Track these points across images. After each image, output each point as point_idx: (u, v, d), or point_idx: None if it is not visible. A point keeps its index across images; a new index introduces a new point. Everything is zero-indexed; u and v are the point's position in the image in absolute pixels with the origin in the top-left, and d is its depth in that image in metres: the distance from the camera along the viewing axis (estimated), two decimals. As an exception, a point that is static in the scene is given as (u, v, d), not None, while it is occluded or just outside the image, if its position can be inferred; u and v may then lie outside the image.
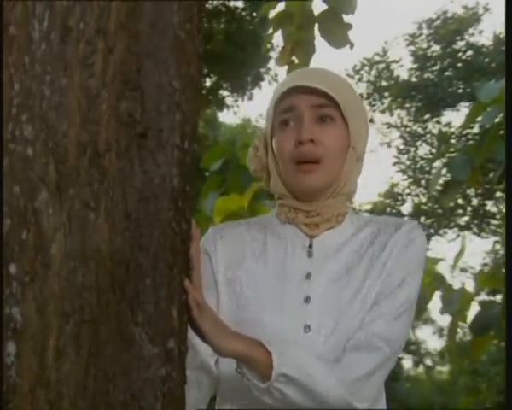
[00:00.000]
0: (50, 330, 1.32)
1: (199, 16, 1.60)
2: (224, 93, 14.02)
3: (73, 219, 1.35)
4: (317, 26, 4.11)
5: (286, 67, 4.29)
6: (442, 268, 4.62)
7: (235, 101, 14.12)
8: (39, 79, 1.36)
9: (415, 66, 17.59)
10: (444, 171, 4.56)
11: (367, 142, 1.76)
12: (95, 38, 1.40)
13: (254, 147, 1.75)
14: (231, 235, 1.76)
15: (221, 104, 13.79)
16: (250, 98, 13.39)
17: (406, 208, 17.76)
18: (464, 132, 14.60)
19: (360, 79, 17.85)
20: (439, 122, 17.66)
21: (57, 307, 1.33)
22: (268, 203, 4.56)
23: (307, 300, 1.66)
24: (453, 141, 16.21)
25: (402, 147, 18.11)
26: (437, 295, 4.45)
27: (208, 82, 12.49)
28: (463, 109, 16.40)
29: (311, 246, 1.71)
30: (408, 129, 18.10)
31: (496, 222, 16.29)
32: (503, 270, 3.81)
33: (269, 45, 9.30)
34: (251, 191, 5.05)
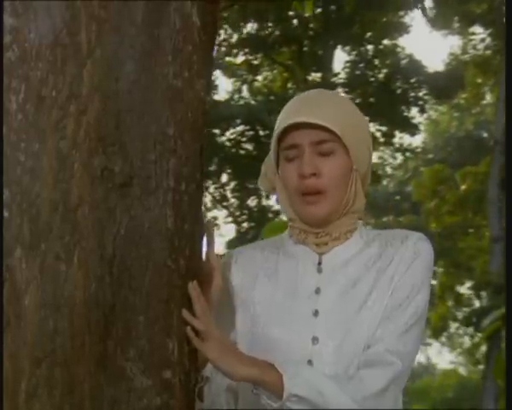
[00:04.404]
0: (22, 375, 1.46)
1: (200, 62, 1.67)
2: None
3: (45, 271, 1.49)
4: None
5: None
6: None
7: None
8: (15, 147, 1.51)
9: None
10: None
11: (371, 159, 1.80)
12: (66, 103, 1.53)
13: (263, 172, 1.82)
14: (245, 258, 1.84)
15: None
16: None
17: None
18: None
19: None
20: None
21: (29, 353, 1.47)
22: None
23: (316, 313, 1.72)
24: None
25: None
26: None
27: None
28: None
29: (320, 263, 1.76)
30: None
31: None
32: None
33: None
34: None
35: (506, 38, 1.70)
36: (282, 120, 1.74)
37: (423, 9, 13.79)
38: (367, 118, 1.85)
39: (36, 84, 1.53)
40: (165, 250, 1.57)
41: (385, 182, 20.77)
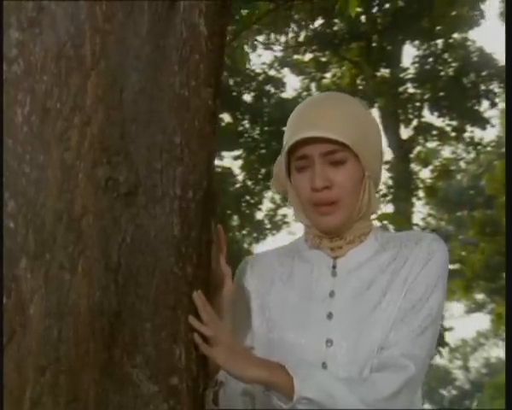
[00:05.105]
0: (27, 384, 1.49)
1: (207, 70, 1.69)
2: None
3: (50, 280, 1.52)
4: None
5: None
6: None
7: None
8: (20, 158, 1.54)
9: None
10: None
11: (382, 161, 1.80)
12: (71, 115, 1.56)
13: (275, 174, 1.82)
14: (261, 264, 1.86)
15: None
16: None
17: None
18: None
19: None
20: None
21: (33, 361, 1.49)
22: None
23: (330, 316, 1.73)
24: None
25: None
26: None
27: None
28: None
29: (335, 266, 1.77)
30: None
31: None
32: None
33: None
34: None
35: (506, 40, 1.67)
36: (291, 133, 1.75)
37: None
38: (377, 119, 1.83)
39: (41, 97, 1.55)
40: (172, 257, 1.59)
41: (459, 176, 20.48)
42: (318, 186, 1.71)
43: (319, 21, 13.98)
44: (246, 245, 14.80)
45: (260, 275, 1.84)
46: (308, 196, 1.74)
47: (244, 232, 15.25)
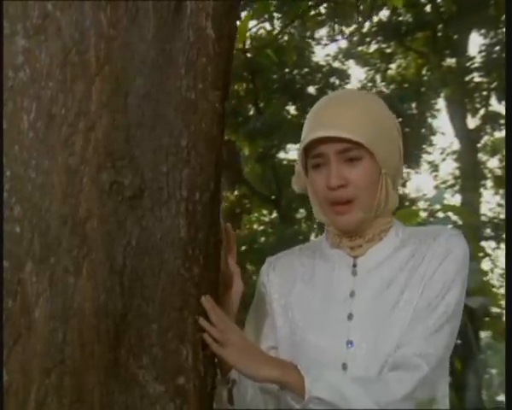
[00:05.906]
0: (32, 385, 1.52)
1: (215, 73, 1.70)
2: None
3: (55, 284, 1.54)
4: None
5: None
6: None
7: None
8: (26, 164, 1.57)
9: None
10: None
11: (401, 157, 1.77)
12: (75, 120, 1.58)
13: (296, 172, 1.82)
14: (283, 264, 1.86)
15: None
16: None
17: None
18: None
19: None
20: None
21: (38, 363, 1.52)
22: None
23: (350, 317, 1.73)
24: None
25: None
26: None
27: None
28: None
29: (355, 265, 1.76)
30: None
31: None
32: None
33: None
34: None
35: (506, 40, 1.62)
36: (307, 131, 1.75)
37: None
38: (395, 116, 1.80)
39: (46, 103, 1.58)
40: (178, 259, 1.60)
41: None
42: (334, 185, 1.70)
43: (383, 12, 13.83)
44: (312, 237, 14.76)
45: (283, 276, 1.85)
46: (324, 194, 1.73)
47: (309, 224, 15.21)
